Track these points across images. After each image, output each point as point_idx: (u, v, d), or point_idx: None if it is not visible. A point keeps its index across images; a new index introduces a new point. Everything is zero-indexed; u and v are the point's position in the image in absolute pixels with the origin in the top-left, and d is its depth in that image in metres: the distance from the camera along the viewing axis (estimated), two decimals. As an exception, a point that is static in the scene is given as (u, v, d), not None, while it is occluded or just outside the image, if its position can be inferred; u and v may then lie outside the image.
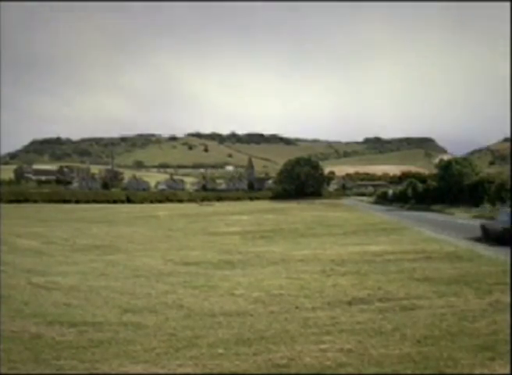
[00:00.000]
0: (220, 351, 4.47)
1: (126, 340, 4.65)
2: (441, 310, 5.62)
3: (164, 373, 3.88)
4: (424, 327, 4.93)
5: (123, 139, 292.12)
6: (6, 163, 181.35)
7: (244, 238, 17.29)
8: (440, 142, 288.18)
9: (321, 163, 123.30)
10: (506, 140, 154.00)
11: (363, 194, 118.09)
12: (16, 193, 65.80)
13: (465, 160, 48.29)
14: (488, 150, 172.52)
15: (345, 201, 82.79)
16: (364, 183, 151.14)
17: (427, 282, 7.50)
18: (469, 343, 4.30)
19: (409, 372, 3.81)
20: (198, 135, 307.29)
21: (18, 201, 58.19)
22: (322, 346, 4.52)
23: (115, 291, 7.30)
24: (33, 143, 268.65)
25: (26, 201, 60.12)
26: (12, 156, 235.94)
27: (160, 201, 73.82)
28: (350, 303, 6.45)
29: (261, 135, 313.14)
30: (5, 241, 14.67)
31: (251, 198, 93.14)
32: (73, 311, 5.81)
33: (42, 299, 6.45)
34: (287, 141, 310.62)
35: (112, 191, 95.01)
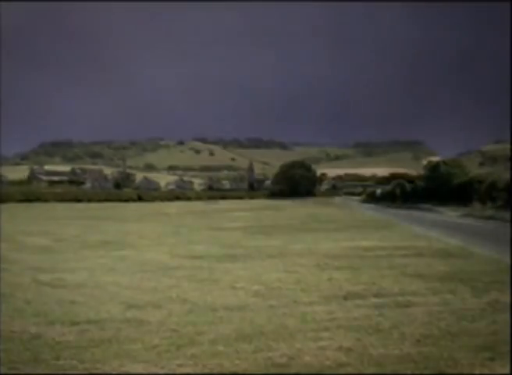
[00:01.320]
0: (220, 348, 4.08)
1: (127, 338, 4.24)
2: (438, 308, 5.17)
3: (164, 373, 3.48)
4: (422, 326, 4.51)
5: (133, 143, 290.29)
6: (17, 164, 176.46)
7: (245, 233, 16.91)
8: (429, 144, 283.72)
9: (313, 166, 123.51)
10: (498, 141, 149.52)
11: (352, 194, 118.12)
12: (26, 193, 60.42)
13: (454, 161, 46.01)
14: (479, 152, 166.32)
15: (336, 200, 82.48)
16: (353, 183, 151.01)
17: (420, 278, 7.04)
18: (469, 343, 3.89)
19: (409, 372, 3.40)
20: (204, 140, 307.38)
21: (29, 200, 53.44)
22: (321, 343, 4.12)
23: (121, 286, 6.86)
24: (43, 145, 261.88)
25: (38, 200, 55.47)
26: (23, 157, 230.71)
27: (170, 200, 73.22)
28: (345, 298, 6.06)
29: (261, 140, 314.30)
30: (13, 239, 13.92)
31: (251, 197, 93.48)
32: (77, 309, 5.35)
33: (46, 297, 5.96)
34: (284, 146, 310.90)
35: (124, 190, 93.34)
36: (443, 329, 4.33)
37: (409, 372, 3.41)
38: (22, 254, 10.58)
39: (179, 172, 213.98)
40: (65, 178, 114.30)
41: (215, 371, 3.54)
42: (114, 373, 3.45)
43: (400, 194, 52.29)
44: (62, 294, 6.12)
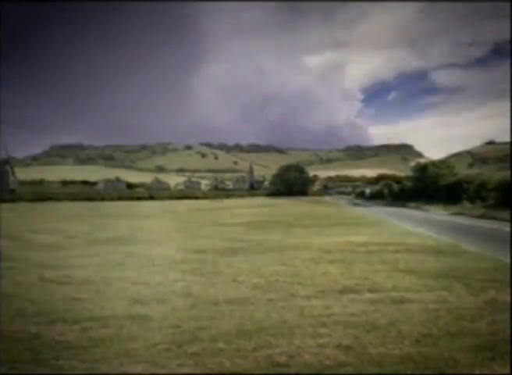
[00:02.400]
0: (221, 345, 3.68)
1: (129, 336, 3.82)
2: (433, 305, 4.68)
3: (164, 373, 3.07)
4: (419, 324, 4.05)
5: (144, 147, 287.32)
6: (27, 165, 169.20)
7: (247, 228, 16.46)
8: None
9: (307, 168, 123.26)
10: (489, 143, 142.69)
11: (342, 193, 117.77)
12: (39, 192, 55.76)
13: (442, 163, 42.77)
14: (468, 153, 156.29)
15: (327, 198, 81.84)
16: (343, 183, 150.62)
17: (412, 274, 6.51)
18: (468, 343, 3.46)
19: (409, 372, 3.01)
20: (209, 145, 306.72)
21: (41, 200, 49.02)
22: (320, 341, 3.71)
23: (128, 281, 6.38)
24: (55, 147, 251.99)
25: (50, 199, 50.83)
26: (34, 158, 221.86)
27: (179, 199, 72.35)
28: (341, 292, 5.64)
29: (260, 146, 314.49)
30: (21, 236, 13.01)
31: (252, 196, 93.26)
32: (81, 306, 4.87)
33: (50, 295, 5.42)
34: (280, 151, 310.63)
35: (135, 190, 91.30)
36: (442, 328, 3.89)
37: (409, 372, 3.02)
38: (29, 252, 9.78)
39: (187, 173, 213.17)
40: (78, 178, 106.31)
41: (215, 371, 3.14)
42: (114, 373, 3.06)
43: (388, 194, 50.56)
44: (67, 291, 5.59)
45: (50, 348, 3.46)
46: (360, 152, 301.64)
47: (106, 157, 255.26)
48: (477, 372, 3.00)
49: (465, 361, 3.11)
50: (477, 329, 3.81)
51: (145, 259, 8.74)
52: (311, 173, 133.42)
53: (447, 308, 4.55)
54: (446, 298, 5.02)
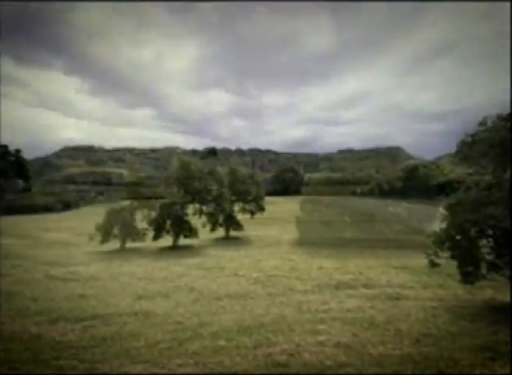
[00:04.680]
0: (222, 342, 3.31)
1: (131, 334, 3.44)
2: (430, 303, 4.20)
3: (164, 373, 2.71)
4: (417, 322, 3.60)
5: (153, 150, 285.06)
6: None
7: (248, 224, 16.07)
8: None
9: (301, 170, 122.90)
10: None
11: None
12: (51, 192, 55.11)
13: (433, 164, 41.11)
14: (460, 153, 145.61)
15: (319, 197, 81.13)
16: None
17: (406, 270, 6.06)
18: (469, 343, 3.03)
19: (409, 372, 2.64)
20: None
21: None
22: (319, 338, 3.34)
23: (134, 276, 5.99)
24: (66, 149, 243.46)
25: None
26: (44, 160, 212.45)
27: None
28: (336, 287, 5.28)
29: (259, 150, 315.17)
30: (31, 235, 12.44)
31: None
32: (85, 303, 4.39)
33: (55, 292, 4.89)
34: (277, 154, 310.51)
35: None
36: (442, 328, 3.43)
37: (409, 372, 2.66)
38: (37, 249, 9.11)
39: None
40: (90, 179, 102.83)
41: (215, 371, 2.77)
42: (114, 373, 2.70)
43: (378, 192, 49.29)
44: (73, 289, 5.10)
45: (50, 348, 3.08)
46: (351, 155, 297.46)
47: (117, 159, 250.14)
48: (477, 372, 2.64)
49: (465, 361, 2.75)
50: (477, 328, 3.35)
51: (153, 254, 8.36)
52: (306, 175, 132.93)
53: (444, 306, 4.06)
54: (443, 296, 4.55)
